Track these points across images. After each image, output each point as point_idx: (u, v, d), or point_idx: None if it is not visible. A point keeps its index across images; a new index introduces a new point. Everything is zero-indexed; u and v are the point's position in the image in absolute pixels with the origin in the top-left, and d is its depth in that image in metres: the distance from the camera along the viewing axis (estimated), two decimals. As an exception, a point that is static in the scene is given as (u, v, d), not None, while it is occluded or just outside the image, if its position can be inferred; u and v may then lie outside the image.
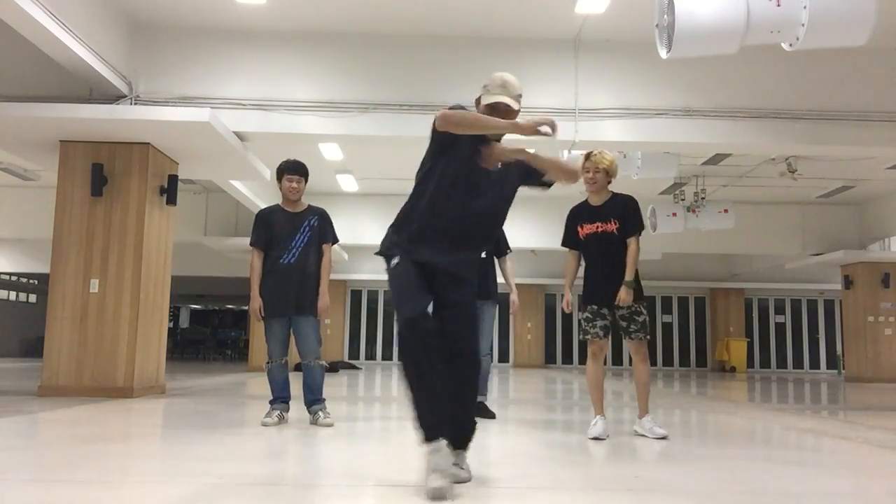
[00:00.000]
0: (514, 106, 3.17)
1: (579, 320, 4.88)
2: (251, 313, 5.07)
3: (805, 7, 5.06)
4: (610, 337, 4.85)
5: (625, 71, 8.03)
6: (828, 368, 23.07)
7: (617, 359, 22.57)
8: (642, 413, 4.81)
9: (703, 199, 12.85)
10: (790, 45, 5.34)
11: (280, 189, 5.18)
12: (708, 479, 3.32)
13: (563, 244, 5.01)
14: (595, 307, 4.79)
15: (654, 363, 22.64)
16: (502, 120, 3.03)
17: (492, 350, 5.99)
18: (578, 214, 4.94)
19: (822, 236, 15.39)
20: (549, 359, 22.97)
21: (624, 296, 4.66)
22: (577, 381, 13.21)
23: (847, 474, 3.59)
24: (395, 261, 3.11)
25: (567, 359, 23.07)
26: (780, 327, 23.67)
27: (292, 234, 5.05)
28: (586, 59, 8.02)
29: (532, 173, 3.22)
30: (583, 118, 7.92)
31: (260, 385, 9.79)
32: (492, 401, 7.20)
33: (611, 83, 8.03)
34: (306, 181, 5.19)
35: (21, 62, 7.62)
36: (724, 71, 7.94)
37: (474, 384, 3.19)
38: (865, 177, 12.83)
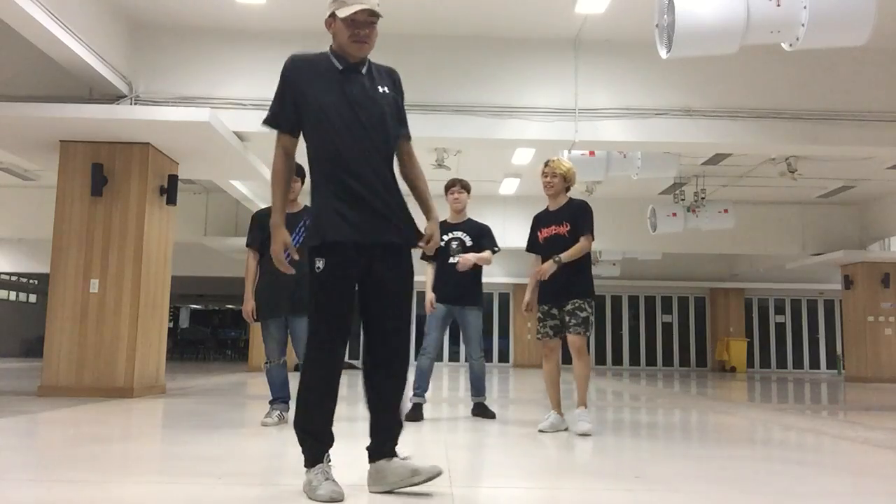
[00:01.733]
0: (378, 15, 2.76)
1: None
2: (244, 315, 5.08)
3: (805, 7, 5.06)
4: (561, 336, 5.01)
5: (625, 71, 8.03)
6: (828, 368, 23.06)
7: (566, 358, 22.57)
8: (578, 405, 4.99)
9: (703, 199, 12.85)
10: (790, 45, 5.35)
11: None
12: (708, 479, 3.32)
13: (527, 249, 5.21)
14: (546, 307, 5.00)
15: (654, 363, 22.73)
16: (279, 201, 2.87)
17: (483, 352, 6.06)
18: (539, 220, 5.17)
19: (822, 236, 15.38)
20: (549, 359, 22.94)
21: (546, 268, 4.81)
22: (577, 381, 13.17)
23: (847, 474, 3.59)
24: None
25: (567, 358, 22.88)
26: (780, 327, 23.66)
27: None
28: (586, 59, 8.01)
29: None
30: (583, 118, 7.92)
31: (260, 385, 9.79)
32: (491, 401, 7.21)
33: (611, 83, 8.03)
34: (303, 182, 5.19)
35: (21, 62, 7.62)
36: (724, 71, 7.94)
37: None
38: (865, 177, 12.83)
